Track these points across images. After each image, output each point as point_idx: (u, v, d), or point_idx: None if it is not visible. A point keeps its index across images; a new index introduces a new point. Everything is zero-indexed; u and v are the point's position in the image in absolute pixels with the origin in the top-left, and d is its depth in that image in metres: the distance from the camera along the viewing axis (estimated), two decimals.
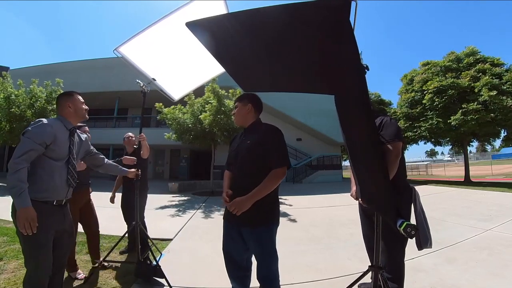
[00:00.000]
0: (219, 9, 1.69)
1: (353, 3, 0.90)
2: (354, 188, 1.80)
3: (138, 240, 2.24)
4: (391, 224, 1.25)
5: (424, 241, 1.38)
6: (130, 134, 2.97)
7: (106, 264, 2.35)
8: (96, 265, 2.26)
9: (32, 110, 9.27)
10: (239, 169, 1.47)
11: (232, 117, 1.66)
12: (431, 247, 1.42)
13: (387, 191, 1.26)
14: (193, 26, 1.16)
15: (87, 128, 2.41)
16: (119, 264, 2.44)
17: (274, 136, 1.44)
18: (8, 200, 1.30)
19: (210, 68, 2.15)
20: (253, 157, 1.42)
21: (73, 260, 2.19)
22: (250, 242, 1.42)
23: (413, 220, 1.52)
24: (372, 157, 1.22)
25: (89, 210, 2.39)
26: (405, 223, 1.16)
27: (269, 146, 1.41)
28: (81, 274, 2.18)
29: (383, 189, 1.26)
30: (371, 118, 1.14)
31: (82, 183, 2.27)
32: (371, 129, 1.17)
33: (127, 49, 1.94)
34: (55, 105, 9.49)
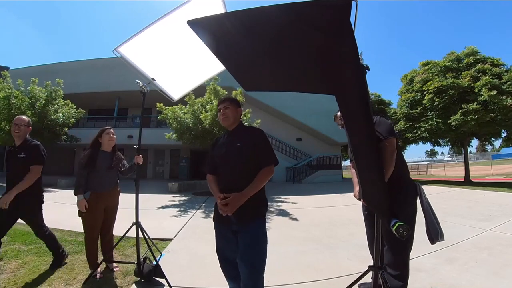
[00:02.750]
0: (217, 9, 1.70)
1: (353, 3, 0.90)
2: (357, 188, 1.81)
3: (138, 241, 2.24)
4: (385, 224, 1.26)
5: (435, 235, 1.38)
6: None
7: (109, 264, 2.35)
8: (112, 268, 2.32)
9: (32, 111, 9.25)
10: (232, 171, 1.50)
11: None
12: (444, 240, 1.40)
13: (382, 191, 1.26)
14: (194, 24, 1.16)
15: (111, 130, 2.40)
16: (118, 264, 2.44)
17: (262, 138, 1.55)
18: None
19: (208, 67, 2.16)
20: (246, 158, 1.48)
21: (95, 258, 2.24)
22: (247, 235, 1.42)
23: (420, 215, 1.52)
24: (370, 157, 1.23)
25: (111, 214, 2.38)
26: (397, 224, 1.16)
27: (260, 146, 1.51)
28: (99, 273, 2.19)
29: (380, 189, 1.27)
30: (370, 118, 1.14)
31: (105, 183, 2.27)
32: (371, 130, 1.17)
33: (127, 49, 1.94)
34: (56, 105, 9.41)
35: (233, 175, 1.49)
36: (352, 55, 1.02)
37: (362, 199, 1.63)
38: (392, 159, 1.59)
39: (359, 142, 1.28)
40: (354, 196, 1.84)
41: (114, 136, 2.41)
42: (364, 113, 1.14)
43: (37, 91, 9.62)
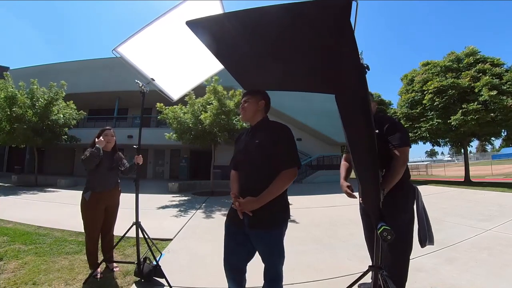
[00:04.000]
0: (215, 8, 1.70)
1: (353, 3, 0.90)
2: (345, 183, 1.88)
3: (138, 241, 2.24)
4: (373, 226, 1.27)
5: (424, 239, 1.39)
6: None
7: (109, 264, 2.35)
8: (112, 268, 2.32)
9: (33, 110, 9.25)
10: (249, 169, 1.40)
11: (235, 116, 1.63)
12: (433, 244, 1.43)
13: (375, 192, 1.27)
14: (193, 25, 1.16)
15: (110, 131, 2.39)
16: (118, 264, 2.44)
17: (286, 135, 1.37)
18: (7, 200, 1.29)
19: (208, 66, 2.15)
20: (264, 156, 1.35)
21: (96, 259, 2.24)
22: (261, 245, 1.35)
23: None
24: (368, 157, 1.23)
25: (112, 214, 2.38)
26: (382, 227, 1.16)
27: (280, 145, 1.34)
28: (99, 273, 2.19)
29: (373, 190, 1.28)
30: (369, 118, 1.13)
31: (106, 182, 2.26)
32: (369, 129, 1.16)
33: (126, 49, 1.94)
34: (57, 106, 9.48)
35: (250, 174, 1.37)
36: (352, 55, 1.01)
37: (360, 198, 1.63)
38: (403, 168, 1.54)
39: (359, 142, 1.28)
40: (343, 188, 1.86)
41: (113, 137, 2.40)
42: (364, 113, 1.13)
43: (40, 92, 9.64)
